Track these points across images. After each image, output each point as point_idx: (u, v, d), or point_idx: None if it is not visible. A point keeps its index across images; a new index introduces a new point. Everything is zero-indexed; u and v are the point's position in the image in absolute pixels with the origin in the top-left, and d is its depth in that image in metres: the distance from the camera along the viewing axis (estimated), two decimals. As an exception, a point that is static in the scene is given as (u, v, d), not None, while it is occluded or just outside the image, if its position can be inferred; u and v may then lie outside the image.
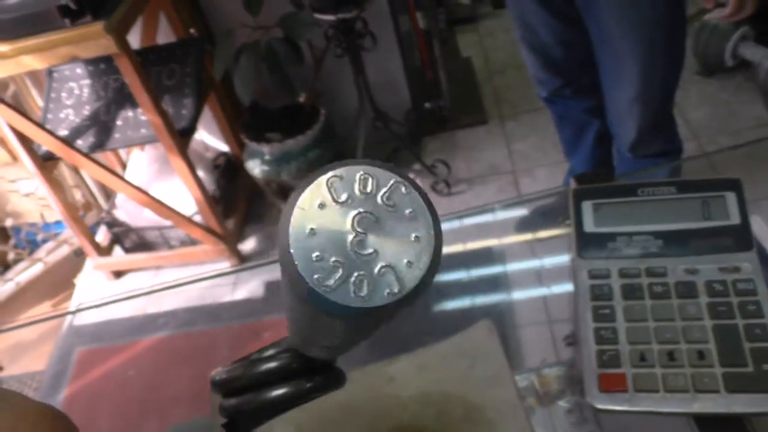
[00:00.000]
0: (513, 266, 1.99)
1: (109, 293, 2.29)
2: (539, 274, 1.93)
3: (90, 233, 2.25)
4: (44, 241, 2.47)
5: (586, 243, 0.57)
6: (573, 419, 0.85)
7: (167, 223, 2.14)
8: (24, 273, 2.42)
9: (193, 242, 2.20)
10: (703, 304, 0.52)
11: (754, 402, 0.47)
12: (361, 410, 0.54)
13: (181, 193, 2.08)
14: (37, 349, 2.29)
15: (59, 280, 2.46)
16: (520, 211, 2.15)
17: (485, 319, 0.56)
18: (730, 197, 0.57)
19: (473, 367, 0.54)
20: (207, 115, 2.29)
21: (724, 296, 0.52)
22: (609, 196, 0.59)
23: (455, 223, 2.21)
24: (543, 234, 2.13)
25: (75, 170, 2.42)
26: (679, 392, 0.48)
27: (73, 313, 2.46)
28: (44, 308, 2.39)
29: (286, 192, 2.25)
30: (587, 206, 0.59)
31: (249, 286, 2.14)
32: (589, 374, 0.50)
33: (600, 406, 0.49)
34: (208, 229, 2.11)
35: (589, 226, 0.58)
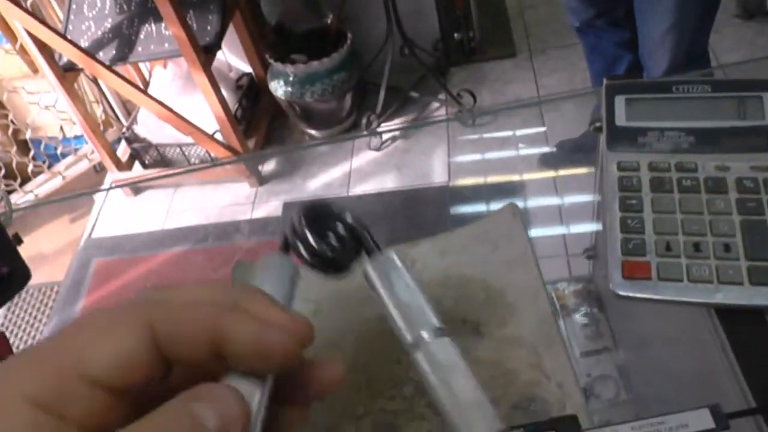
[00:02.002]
0: (533, 200, 1.98)
1: (127, 209, 2.31)
2: (560, 208, 1.93)
3: (110, 147, 2.26)
4: (64, 155, 2.48)
5: (616, 136, 0.56)
6: (588, 333, 0.85)
7: (188, 140, 2.14)
8: (43, 186, 2.43)
9: (212, 161, 2.20)
10: (732, 200, 0.51)
11: (779, 295, 0.46)
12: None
13: (203, 111, 2.08)
14: (56, 260, 2.32)
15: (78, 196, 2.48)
16: (545, 147, 2.13)
17: (511, 202, 0.55)
18: (767, 98, 0.55)
19: (495, 250, 0.54)
20: (231, 35, 2.27)
21: (754, 193, 0.51)
22: (643, 92, 0.57)
23: (476, 156, 2.20)
24: (567, 171, 2.12)
25: (96, 84, 2.41)
26: (703, 282, 0.47)
27: (107, 190, 2.48)
28: (62, 222, 2.42)
29: (309, 114, 2.24)
30: (620, 100, 0.57)
31: (268, 206, 2.16)
32: (613, 262, 0.50)
33: (622, 293, 0.48)
34: (229, 148, 2.11)
35: (621, 120, 0.56)
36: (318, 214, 0.37)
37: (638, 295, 0.48)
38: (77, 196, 2.35)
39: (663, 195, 0.52)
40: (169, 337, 0.25)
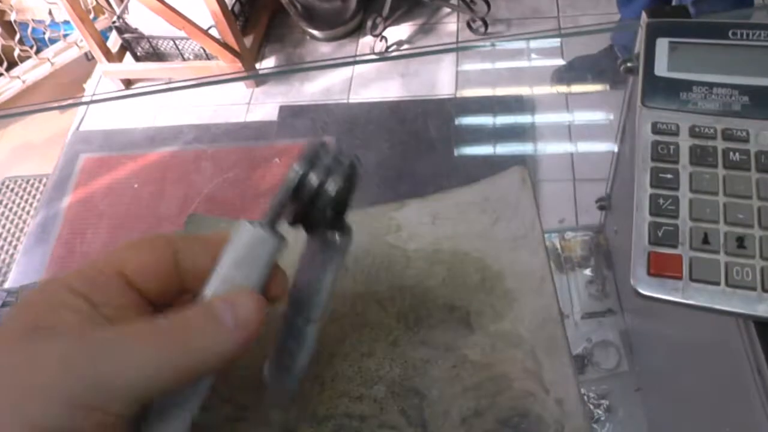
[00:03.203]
0: (543, 118, 1.87)
1: (118, 102, 2.20)
2: (569, 128, 1.81)
3: (100, 37, 2.13)
4: (52, 40, 2.34)
5: (654, 89, 0.46)
6: (593, 291, 0.77)
7: (182, 33, 2.01)
8: (31, 72, 2.31)
9: (208, 57, 2.08)
10: (789, 183, 0.41)
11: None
12: (357, 260, 0.45)
13: (198, 4, 1.94)
14: (44, 152, 2.24)
15: (67, 84, 2.36)
16: (558, 60, 2.00)
17: (519, 165, 0.46)
18: None
19: (497, 222, 0.45)
20: None
21: (817, 176, 0.42)
22: (691, 36, 0.47)
23: (486, 66, 2.07)
24: (579, 88, 1.99)
25: (86, -33, 2.26)
26: (744, 289, 0.39)
27: (87, 103, 2.38)
28: (52, 112, 2.32)
29: (311, 13, 2.10)
30: (662, 44, 0.47)
31: (264, 109, 2.05)
32: (637, 251, 0.41)
33: (646, 293, 0.39)
34: (224, 45, 1.98)
35: (662, 69, 0.46)
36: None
37: (664, 297, 0.39)
38: (71, 105, 2.24)
39: (704, 170, 0.42)
40: (186, 254, 0.30)
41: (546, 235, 0.62)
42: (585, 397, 0.69)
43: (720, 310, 0.39)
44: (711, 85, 0.45)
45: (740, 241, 0.40)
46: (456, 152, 1.74)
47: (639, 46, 0.49)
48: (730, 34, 0.46)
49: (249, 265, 0.29)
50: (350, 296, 0.44)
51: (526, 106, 1.90)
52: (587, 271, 0.77)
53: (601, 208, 0.76)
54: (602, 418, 0.69)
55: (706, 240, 0.40)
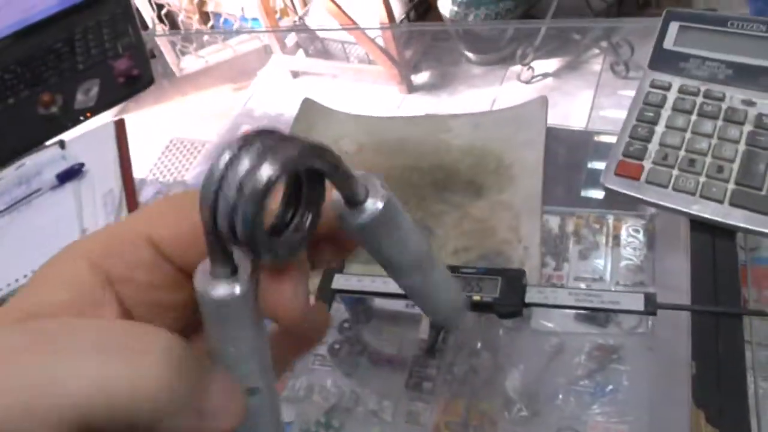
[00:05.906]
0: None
1: (285, 89, 2.47)
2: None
3: (280, 34, 2.42)
4: (239, 32, 2.67)
5: (660, 58, 0.59)
6: (631, 265, 0.89)
7: (351, 38, 2.25)
8: (214, 54, 2.63)
9: (370, 62, 2.31)
10: (745, 131, 0.54)
11: (752, 220, 0.50)
12: (414, 145, 0.62)
13: (370, 14, 2.17)
14: (212, 124, 2.53)
15: (243, 69, 2.66)
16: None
17: (542, 95, 0.61)
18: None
19: (517, 131, 0.60)
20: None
21: (770, 130, 0.54)
22: (698, 22, 0.60)
23: (621, 110, 2.17)
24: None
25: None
26: (685, 193, 0.52)
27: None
28: (226, 89, 2.61)
29: (469, 38, 2.29)
30: (674, 26, 0.60)
31: (411, 113, 2.24)
32: (611, 160, 0.55)
33: (609, 186, 0.54)
34: (387, 53, 2.20)
35: (669, 43, 0.60)
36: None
37: (623, 191, 0.53)
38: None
39: (680, 114, 0.56)
40: None
41: (603, 215, 0.77)
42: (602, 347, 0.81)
43: (665, 206, 0.52)
44: (704, 59, 0.58)
45: (692, 162, 0.53)
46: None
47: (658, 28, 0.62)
48: (728, 24, 0.59)
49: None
50: (401, 167, 0.60)
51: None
52: (629, 248, 0.89)
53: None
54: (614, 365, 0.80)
55: (665, 158, 0.54)
